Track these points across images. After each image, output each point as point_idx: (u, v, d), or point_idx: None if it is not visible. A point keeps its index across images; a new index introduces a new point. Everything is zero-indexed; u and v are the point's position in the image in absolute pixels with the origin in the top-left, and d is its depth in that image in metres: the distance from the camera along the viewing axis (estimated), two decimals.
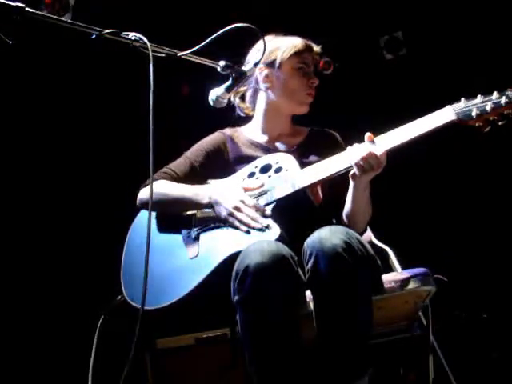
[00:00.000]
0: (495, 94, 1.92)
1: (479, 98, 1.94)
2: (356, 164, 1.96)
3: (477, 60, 3.98)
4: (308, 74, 2.28)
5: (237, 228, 2.01)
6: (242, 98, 2.42)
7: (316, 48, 2.29)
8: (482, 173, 4.00)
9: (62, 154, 3.76)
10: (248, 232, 1.98)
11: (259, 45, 2.23)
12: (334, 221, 2.23)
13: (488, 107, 1.91)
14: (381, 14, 4.25)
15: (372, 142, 1.98)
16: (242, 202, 2.03)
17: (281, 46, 2.25)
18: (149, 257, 1.63)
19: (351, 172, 2.01)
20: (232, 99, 2.38)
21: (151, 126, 1.66)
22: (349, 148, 2.02)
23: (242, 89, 2.30)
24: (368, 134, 2.00)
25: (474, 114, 1.91)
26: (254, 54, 2.25)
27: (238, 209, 2.02)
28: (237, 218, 2.01)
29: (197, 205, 2.14)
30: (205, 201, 2.10)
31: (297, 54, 2.25)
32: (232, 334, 2.06)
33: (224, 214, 2.04)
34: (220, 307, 1.97)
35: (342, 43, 4.35)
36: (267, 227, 1.95)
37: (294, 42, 2.26)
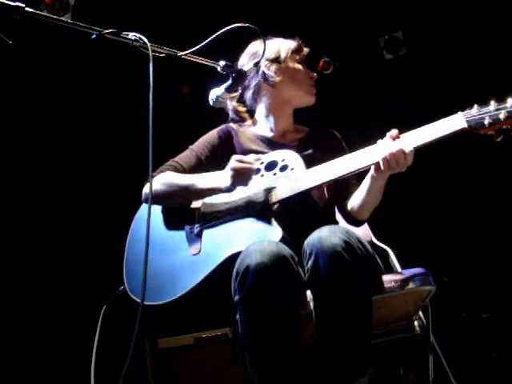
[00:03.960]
0: (510, 102, 1.83)
1: (492, 106, 1.85)
2: (383, 159, 1.93)
3: (477, 60, 3.98)
4: (306, 68, 2.37)
5: (248, 174, 2.03)
6: (239, 101, 2.42)
7: (306, 49, 2.38)
8: (481, 173, 4.00)
9: (64, 150, 3.77)
10: (258, 170, 2.06)
11: (250, 48, 2.33)
12: (337, 210, 2.26)
13: (502, 116, 1.82)
14: (381, 14, 4.25)
15: (397, 138, 1.95)
16: (239, 160, 2.05)
17: (280, 44, 2.34)
18: (148, 253, 1.62)
19: (374, 166, 1.98)
20: (228, 104, 2.38)
21: (151, 125, 1.66)
22: (379, 142, 1.98)
23: (235, 94, 2.28)
24: (395, 131, 1.97)
25: (486, 122, 1.83)
26: (246, 58, 2.29)
27: (237, 164, 2.03)
28: (242, 168, 2.02)
29: (203, 190, 2.12)
30: (209, 183, 2.11)
31: (294, 51, 2.34)
32: (232, 333, 2.06)
33: (229, 176, 2.04)
34: (220, 307, 1.97)
35: (342, 43, 4.36)
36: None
37: (289, 41, 2.36)
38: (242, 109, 2.42)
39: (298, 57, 2.35)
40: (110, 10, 3.56)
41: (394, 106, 4.08)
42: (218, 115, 2.43)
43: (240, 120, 2.41)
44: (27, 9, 1.66)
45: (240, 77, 2.08)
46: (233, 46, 2.33)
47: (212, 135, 2.33)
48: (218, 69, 2.04)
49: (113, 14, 3.48)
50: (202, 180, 2.13)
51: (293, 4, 3.99)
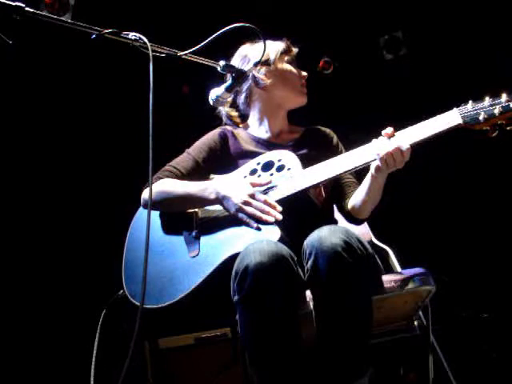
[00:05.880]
0: (504, 97, 1.83)
1: (487, 101, 1.86)
2: (381, 158, 1.94)
3: (477, 59, 3.98)
4: (297, 68, 2.37)
5: (246, 224, 1.98)
6: (232, 106, 2.41)
7: (295, 49, 2.38)
8: (481, 172, 4.00)
9: (64, 152, 3.77)
10: (258, 228, 1.96)
11: (241, 51, 2.33)
12: (337, 209, 2.27)
13: (496, 111, 1.82)
14: (381, 14, 4.25)
15: (392, 136, 1.96)
16: (252, 196, 2.02)
17: (268, 46, 2.29)
18: (148, 256, 1.63)
19: (373, 165, 1.99)
20: (221, 109, 2.39)
21: (151, 125, 1.66)
22: (374, 141, 1.99)
23: (228, 99, 2.22)
24: (390, 129, 1.98)
25: (481, 117, 1.84)
26: (237, 60, 2.29)
27: (247, 203, 2.00)
28: (246, 213, 1.99)
29: (204, 201, 2.11)
30: (212, 196, 2.08)
31: (283, 53, 2.34)
32: (232, 333, 2.06)
33: (233, 209, 2.02)
34: (220, 307, 1.97)
35: (342, 43, 4.37)
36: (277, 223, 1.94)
37: (278, 43, 2.36)
38: (234, 114, 2.43)
39: (287, 57, 2.34)
40: (110, 9, 3.56)
41: (394, 105, 4.08)
42: (217, 115, 2.43)
43: (233, 125, 2.42)
44: (27, 9, 1.66)
45: (240, 77, 2.08)
46: (233, 46, 2.34)
47: (209, 138, 2.33)
48: (218, 69, 2.04)
49: (113, 14, 3.48)
50: (200, 194, 2.10)
51: (293, 4, 4.00)
